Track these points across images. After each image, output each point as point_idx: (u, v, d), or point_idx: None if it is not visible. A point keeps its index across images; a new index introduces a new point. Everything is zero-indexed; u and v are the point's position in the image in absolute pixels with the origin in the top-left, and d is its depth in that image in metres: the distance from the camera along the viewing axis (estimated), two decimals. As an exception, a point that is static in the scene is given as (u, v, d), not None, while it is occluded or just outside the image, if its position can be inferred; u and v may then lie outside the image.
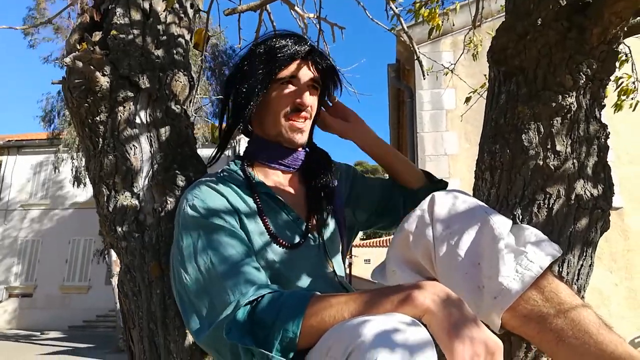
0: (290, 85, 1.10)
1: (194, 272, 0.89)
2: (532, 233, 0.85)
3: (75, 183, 13.73)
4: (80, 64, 1.07)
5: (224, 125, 1.20)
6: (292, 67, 1.10)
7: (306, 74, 1.11)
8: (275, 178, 1.12)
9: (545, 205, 0.99)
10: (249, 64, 1.11)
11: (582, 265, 0.98)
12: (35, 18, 13.15)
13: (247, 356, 0.77)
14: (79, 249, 16.79)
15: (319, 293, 0.79)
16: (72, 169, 13.63)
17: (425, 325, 0.67)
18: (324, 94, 1.21)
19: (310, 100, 1.11)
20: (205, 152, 1.25)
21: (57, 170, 14.83)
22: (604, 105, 1.10)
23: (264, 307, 0.79)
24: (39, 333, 14.49)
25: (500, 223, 0.85)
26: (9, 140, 17.82)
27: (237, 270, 0.87)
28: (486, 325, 0.70)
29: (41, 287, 16.64)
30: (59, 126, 13.78)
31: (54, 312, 16.20)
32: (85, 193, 15.76)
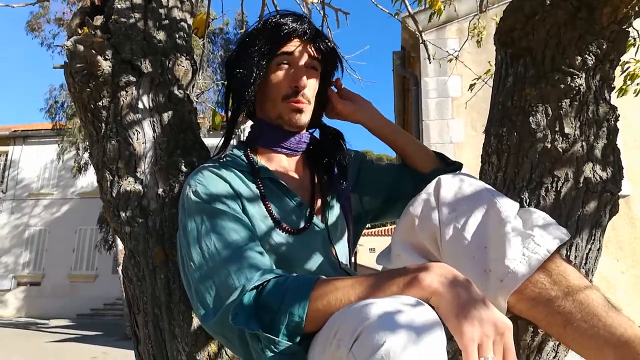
0: (287, 67, 1.07)
1: (198, 258, 0.89)
2: (539, 216, 0.83)
3: (78, 172, 13.79)
4: (81, 47, 1.06)
5: (229, 115, 1.18)
6: (290, 45, 1.07)
7: (304, 53, 1.08)
8: (279, 162, 1.10)
9: (553, 189, 0.97)
10: (247, 43, 1.09)
11: (590, 249, 0.97)
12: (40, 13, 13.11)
13: (254, 341, 0.76)
14: (85, 238, 16.92)
15: (324, 277, 0.79)
16: (74, 160, 13.69)
17: (432, 307, 0.66)
18: (326, 76, 1.18)
19: (309, 82, 1.08)
20: (211, 142, 1.23)
21: (61, 160, 14.90)
22: (614, 87, 1.08)
23: (270, 292, 0.78)
24: (47, 321, 14.67)
25: (507, 206, 0.83)
26: (14, 131, 17.89)
27: (242, 255, 0.87)
28: (493, 307, 0.69)
29: (49, 276, 16.81)
30: (62, 116, 13.82)
31: (62, 300, 16.38)
32: (91, 182, 15.85)
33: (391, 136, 1.21)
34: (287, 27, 1.06)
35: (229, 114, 1.16)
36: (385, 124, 1.22)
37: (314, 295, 0.74)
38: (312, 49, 1.09)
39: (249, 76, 1.06)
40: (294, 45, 1.07)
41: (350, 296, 0.72)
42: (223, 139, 1.14)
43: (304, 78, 1.06)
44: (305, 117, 1.09)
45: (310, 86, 1.09)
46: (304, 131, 1.13)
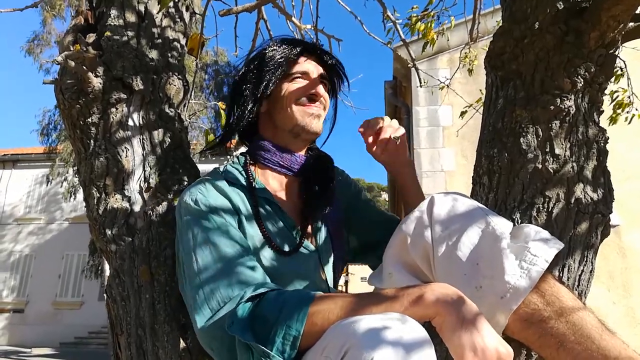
0: (301, 79, 1.11)
1: (197, 266, 0.88)
2: (531, 229, 0.83)
3: (67, 197, 13.64)
4: (72, 63, 1.06)
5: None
6: (302, 62, 1.12)
7: (315, 68, 1.13)
8: (276, 181, 1.10)
9: (545, 209, 0.97)
10: (259, 64, 1.11)
11: (582, 270, 0.96)
12: (43, 36, 13.15)
13: (243, 353, 0.75)
14: (72, 263, 16.61)
15: (321, 293, 0.77)
16: (61, 183, 13.55)
17: (427, 326, 0.65)
18: (332, 91, 1.21)
19: (323, 92, 1.13)
20: (202, 168, 1.23)
21: (50, 184, 14.75)
22: (603, 111, 1.09)
23: (267, 303, 0.77)
24: (29, 350, 14.24)
25: (501, 224, 0.83)
26: (4, 155, 17.77)
27: (239, 266, 0.86)
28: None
29: (33, 303, 16.41)
30: (55, 139, 13.74)
31: (46, 328, 15.94)
32: (80, 207, 15.67)
33: (407, 196, 1.19)
34: (297, 46, 1.11)
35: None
36: (409, 186, 1.19)
37: (312, 310, 0.73)
38: (320, 64, 1.14)
39: (259, 92, 1.08)
40: (305, 62, 1.12)
41: (349, 313, 0.71)
42: (218, 142, 1.17)
43: (320, 86, 1.11)
44: (320, 124, 1.12)
45: (325, 96, 1.14)
46: (302, 153, 1.14)
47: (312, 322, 0.71)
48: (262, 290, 0.80)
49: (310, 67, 1.13)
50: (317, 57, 1.15)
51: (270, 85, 1.09)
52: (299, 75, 1.11)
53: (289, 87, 1.10)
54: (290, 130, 1.10)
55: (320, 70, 1.14)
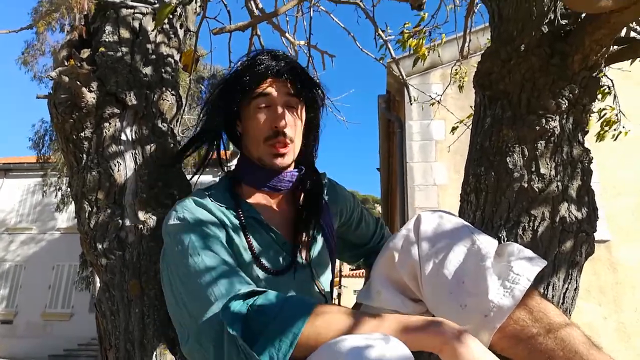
0: (266, 107, 1.06)
1: (187, 272, 0.87)
2: (515, 248, 0.85)
3: (59, 207, 13.54)
4: (66, 78, 1.07)
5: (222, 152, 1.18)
6: (266, 85, 1.05)
7: (280, 92, 1.06)
8: (263, 200, 1.10)
9: (530, 228, 0.98)
10: (227, 82, 1.10)
11: (567, 288, 0.97)
12: (35, 46, 13.19)
13: (232, 350, 0.72)
14: (62, 274, 16.43)
15: (322, 305, 0.76)
16: (54, 193, 13.46)
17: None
18: (311, 107, 1.15)
19: (289, 121, 1.06)
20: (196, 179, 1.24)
21: (43, 194, 14.66)
22: (587, 131, 1.11)
23: (264, 306, 0.75)
24: (17, 362, 14.03)
25: (487, 242, 0.85)
26: (-4, 164, 17.66)
27: (231, 273, 0.85)
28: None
29: (22, 314, 16.18)
30: (48, 149, 13.71)
31: (35, 340, 15.70)
32: (72, 217, 15.56)
33: None
34: (261, 67, 1.05)
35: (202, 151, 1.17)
36: None
37: (312, 317, 0.71)
38: (290, 86, 1.07)
39: (226, 114, 1.08)
40: (269, 85, 1.06)
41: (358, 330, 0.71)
42: (195, 173, 1.16)
43: (283, 118, 1.04)
44: (288, 159, 1.07)
45: (291, 125, 1.06)
46: (291, 168, 1.12)
47: (313, 325, 0.70)
48: (255, 291, 0.79)
49: (273, 91, 1.05)
50: (286, 77, 1.07)
51: (234, 106, 1.07)
52: (264, 101, 1.06)
53: (254, 117, 1.06)
54: (258, 160, 1.07)
55: (286, 90, 1.07)
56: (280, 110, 1.05)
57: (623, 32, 1.36)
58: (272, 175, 1.08)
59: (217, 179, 1.16)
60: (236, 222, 1.01)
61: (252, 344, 0.69)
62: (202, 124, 1.13)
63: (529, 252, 0.84)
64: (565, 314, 0.98)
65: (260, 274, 0.98)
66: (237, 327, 0.71)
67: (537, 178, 1.01)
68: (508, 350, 0.82)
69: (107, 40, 1.21)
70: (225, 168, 1.19)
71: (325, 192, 1.19)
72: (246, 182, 1.10)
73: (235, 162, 1.18)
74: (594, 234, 1.02)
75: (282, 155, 1.06)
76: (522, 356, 0.81)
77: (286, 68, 1.07)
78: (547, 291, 0.95)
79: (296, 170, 1.13)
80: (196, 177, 1.16)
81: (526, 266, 0.80)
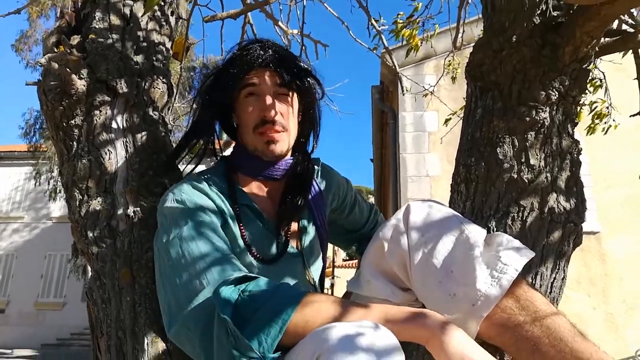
0: (254, 97, 1.06)
1: (179, 257, 0.86)
2: (504, 238, 0.85)
3: (52, 196, 13.46)
4: (55, 65, 1.06)
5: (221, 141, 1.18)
6: (254, 75, 1.05)
7: (269, 81, 1.05)
8: (257, 187, 1.10)
9: (519, 218, 0.99)
10: (217, 73, 1.10)
11: (555, 278, 0.99)
12: (28, 35, 13.05)
13: (221, 335, 0.72)
14: (55, 264, 16.39)
15: (311, 294, 0.77)
16: (47, 181, 13.38)
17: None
18: (305, 96, 1.14)
19: (280, 109, 1.05)
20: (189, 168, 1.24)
21: (35, 183, 14.57)
22: (577, 123, 1.12)
23: (252, 294, 0.74)
24: (9, 351, 14.01)
25: (476, 232, 0.85)
26: (-13, 152, 17.51)
27: (224, 259, 0.85)
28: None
29: (14, 303, 16.15)
30: (39, 137, 13.60)
31: (27, 329, 15.70)
32: (65, 206, 15.48)
33: None
34: (249, 58, 1.04)
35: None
36: None
37: (302, 305, 0.72)
38: (280, 74, 1.06)
39: (218, 104, 1.08)
40: (258, 75, 1.05)
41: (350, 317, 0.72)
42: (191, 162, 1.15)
43: (273, 108, 1.04)
44: (280, 146, 1.07)
45: (283, 112, 1.06)
46: (287, 157, 1.12)
47: (295, 321, 0.70)
48: (246, 277, 0.79)
49: (261, 81, 1.05)
50: (275, 66, 1.06)
51: (226, 97, 1.07)
52: (252, 89, 1.05)
53: (244, 106, 1.06)
54: (252, 150, 1.08)
55: (275, 80, 1.06)
56: (269, 100, 1.04)
57: (615, 25, 1.37)
58: (268, 165, 1.09)
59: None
60: (232, 211, 1.02)
61: (242, 328, 0.69)
62: (196, 117, 1.12)
63: (517, 243, 0.85)
64: (552, 303, 0.99)
65: (253, 261, 0.99)
66: (228, 311, 0.71)
67: (526, 169, 1.01)
68: (495, 338, 0.83)
69: (97, 27, 1.20)
70: (219, 157, 1.18)
71: (320, 177, 1.20)
72: (242, 171, 1.11)
73: (228, 152, 1.18)
74: (583, 224, 1.04)
75: (275, 141, 1.05)
76: (509, 344, 0.82)
77: (274, 58, 1.06)
78: (535, 281, 0.96)
79: (291, 158, 1.13)
80: (190, 167, 1.15)
81: (514, 256, 0.81)
